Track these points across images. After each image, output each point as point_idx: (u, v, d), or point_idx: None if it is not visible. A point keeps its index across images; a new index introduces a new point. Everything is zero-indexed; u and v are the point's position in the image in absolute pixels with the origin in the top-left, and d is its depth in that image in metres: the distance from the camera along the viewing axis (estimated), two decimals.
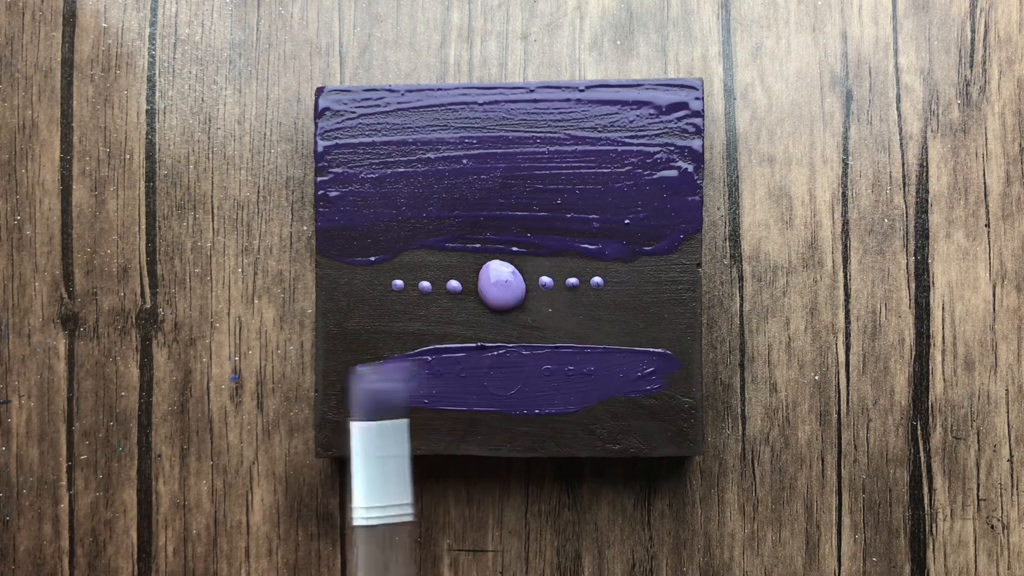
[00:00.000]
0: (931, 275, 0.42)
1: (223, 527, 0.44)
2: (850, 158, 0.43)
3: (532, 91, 0.41)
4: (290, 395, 0.44)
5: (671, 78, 0.42)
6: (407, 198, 0.41)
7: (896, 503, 0.42)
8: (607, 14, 0.44)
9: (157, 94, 0.44)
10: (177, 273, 0.44)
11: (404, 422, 0.38)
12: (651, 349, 0.40)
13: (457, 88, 0.41)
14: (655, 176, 0.40)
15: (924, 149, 0.43)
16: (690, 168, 0.40)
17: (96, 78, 0.44)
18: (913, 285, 0.43)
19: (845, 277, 0.43)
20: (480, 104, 0.41)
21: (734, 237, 0.43)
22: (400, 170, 0.41)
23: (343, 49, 0.44)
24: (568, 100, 0.41)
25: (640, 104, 0.40)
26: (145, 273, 0.44)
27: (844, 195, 0.43)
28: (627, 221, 0.40)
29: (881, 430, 0.42)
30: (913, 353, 0.42)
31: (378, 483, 0.37)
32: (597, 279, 0.40)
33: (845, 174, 0.43)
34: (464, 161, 0.41)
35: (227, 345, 0.44)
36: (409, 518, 0.37)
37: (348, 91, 0.41)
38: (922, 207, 0.43)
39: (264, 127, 0.44)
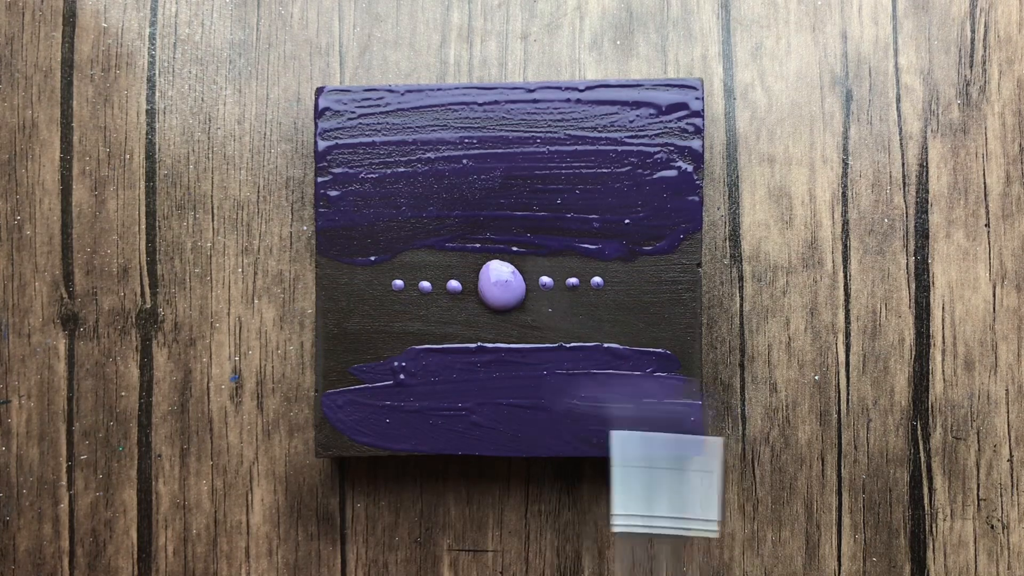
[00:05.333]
0: (931, 275, 0.42)
1: (223, 527, 0.44)
2: (850, 158, 0.43)
3: (532, 91, 0.41)
4: (290, 395, 0.44)
5: (671, 78, 0.42)
6: (407, 198, 0.41)
7: (896, 503, 0.42)
8: (607, 14, 0.44)
9: (157, 94, 0.44)
10: (177, 273, 0.44)
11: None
12: (651, 349, 0.40)
13: (457, 88, 0.41)
14: (655, 176, 0.40)
15: (924, 149, 0.43)
16: (690, 168, 0.40)
17: (96, 78, 0.44)
18: (913, 285, 0.43)
19: (845, 277, 0.43)
20: (480, 104, 0.41)
21: (734, 237, 0.43)
22: (400, 170, 0.41)
23: (343, 49, 0.44)
24: (568, 100, 0.41)
25: (640, 104, 0.40)
26: (145, 273, 0.44)
27: (844, 195, 0.43)
28: (627, 221, 0.40)
29: (881, 430, 0.42)
30: (913, 353, 0.42)
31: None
32: (597, 279, 0.40)
33: (845, 174, 0.43)
34: (464, 161, 0.41)
35: (227, 345, 0.44)
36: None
37: (348, 91, 0.41)
38: (922, 207, 0.43)
39: (264, 127, 0.44)
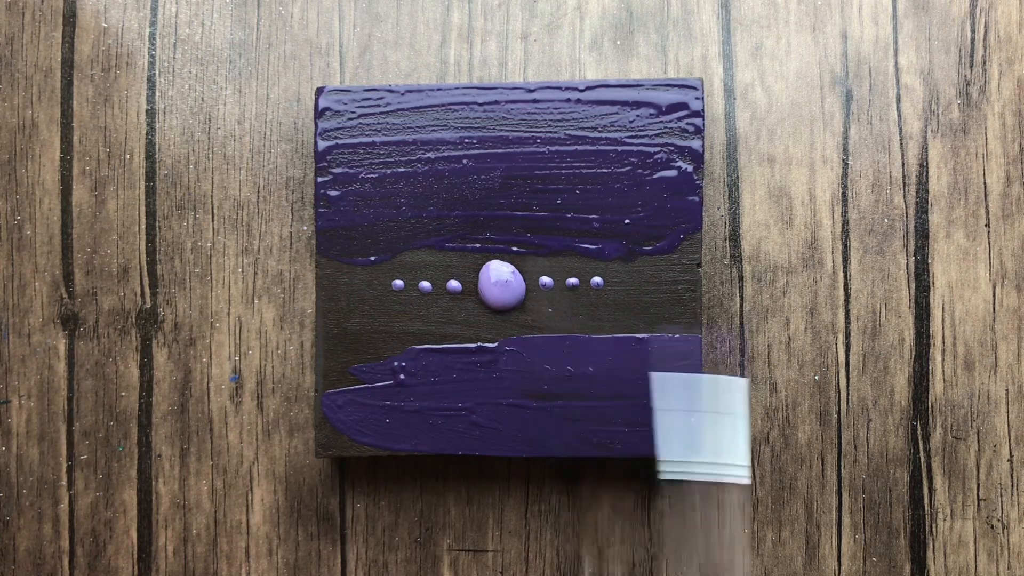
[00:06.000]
0: (931, 275, 0.42)
1: (223, 527, 0.44)
2: (850, 158, 0.43)
3: (532, 91, 0.41)
4: (290, 395, 0.44)
5: (671, 78, 0.42)
6: (407, 198, 0.41)
7: (896, 503, 0.42)
8: (607, 14, 0.44)
9: (157, 94, 0.44)
10: (177, 273, 0.44)
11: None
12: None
13: (457, 88, 0.41)
14: (655, 176, 0.40)
15: (924, 149, 0.43)
16: (690, 168, 0.40)
17: (96, 78, 0.44)
18: (913, 285, 0.43)
19: (845, 277, 0.43)
20: (480, 104, 0.41)
21: (734, 237, 0.43)
22: (400, 170, 0.41)
23: (343, 49, 0.44)
24: (568, 100, 0.41)
25: (640, 104, 0.40)
26: (145, 273, 0.44)
27: (844, 195, 0.43)
28: (627, 221, 0.40)
29: (881, 430, 0.42)
30: (913, 353, 0.42)
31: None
32: (597, 279, 0.40)
33: (845, 174, 0.43)
34: (464, 161, 0.41)
35: (227, 345, 0.44)
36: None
37: (348, 91, 0.41)
38: (922, 207, 0.43)
39: (264, 127, 0.44)
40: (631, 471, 0.43)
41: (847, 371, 0.42)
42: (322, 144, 0.41)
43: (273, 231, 0.44)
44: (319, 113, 0.41)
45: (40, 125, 0.44)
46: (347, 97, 0.41)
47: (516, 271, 0.41)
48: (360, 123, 0.41)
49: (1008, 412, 0.42)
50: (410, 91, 0.41)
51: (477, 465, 0.43)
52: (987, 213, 0.42)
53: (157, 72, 0.44)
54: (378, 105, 0.41)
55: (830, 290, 0.43)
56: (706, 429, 0.38)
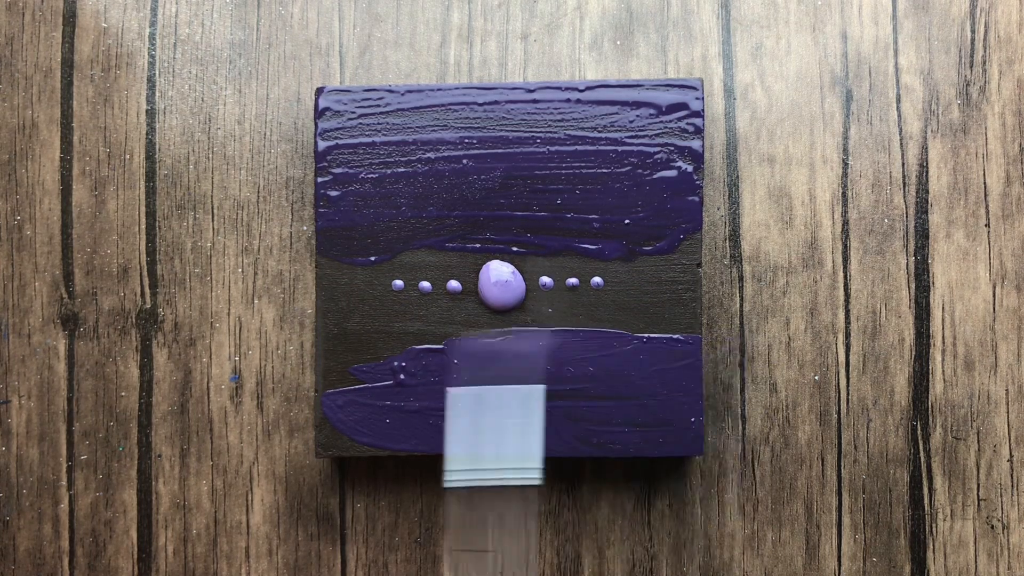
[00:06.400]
0: (931, 275, 0.42)
1: (223, 527, 0.44)
2: (850, 158, 0.43)
3: (532, 91, 0.41)
4: (290, 395, 0.44)
5: (671, 78, 0.42)
6: (407, 198, 0.41)
7: (896, 503, 0.42)
8: (607, 14, 0.44)
9: (157, 94, 0.44)
10: (177, 273, 0.44)
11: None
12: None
13: (457, 88, 0.41)
14: (655, 176, 0.40)
15: (924, 149, 0.43)
16: (690, 168, 0.40)
17: (96, 78, 0.44)
18: (913, 285, 0.43)
19: (845, 277, 0.43)
20: (480, 104, 0.41)
21: (734, 237, 0.43)
22: (400, 170, 0.41)
23: (343, 49, 0.44)
24: (568, 100, 0.41)
25: (640, 104, 0.40)
26: (145, 273, 0.44)
27: (844, 195, 0.43)
28: (627, 221, 0.40)
29: (881, 430, 0.42)
30: (913, 353, 0.42)
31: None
32: (597, 279, 0.40)
33: (845, 174, 0.43)
34: (464, 161, 0.41)
35: (227, 345, 0.44)
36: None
37: (348, 91, 0.41)
38: (922, 207, 0.43)
39: (264, 127, 0.44)
40: (631, 471, 0.43)
41: (847, 371, 0.42)
42: (322, 144, 0.41)
43: (273, 231, 0.44)
44: (319, 113, 0.41)
45: (40, 125, 0.44)
46: (347, 97, 0.41)
47: (516, 271, 0.41)
48: (360, 123, 0.41)
49: (1008, 412, 0.42)
50: (410, 91, 0.41)
51: None
52: (987, 213, 0.43)
53: (157, 72, 0.44)
54: (378, 105, 0.41)
55: (830, 290, 0.43)
56: (493, 436, 0.39)
